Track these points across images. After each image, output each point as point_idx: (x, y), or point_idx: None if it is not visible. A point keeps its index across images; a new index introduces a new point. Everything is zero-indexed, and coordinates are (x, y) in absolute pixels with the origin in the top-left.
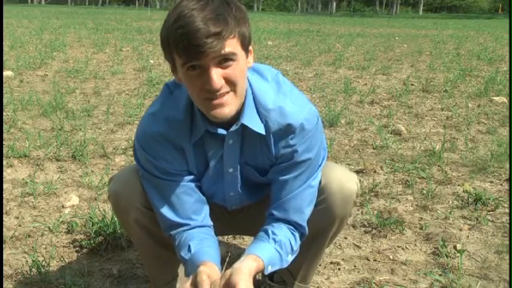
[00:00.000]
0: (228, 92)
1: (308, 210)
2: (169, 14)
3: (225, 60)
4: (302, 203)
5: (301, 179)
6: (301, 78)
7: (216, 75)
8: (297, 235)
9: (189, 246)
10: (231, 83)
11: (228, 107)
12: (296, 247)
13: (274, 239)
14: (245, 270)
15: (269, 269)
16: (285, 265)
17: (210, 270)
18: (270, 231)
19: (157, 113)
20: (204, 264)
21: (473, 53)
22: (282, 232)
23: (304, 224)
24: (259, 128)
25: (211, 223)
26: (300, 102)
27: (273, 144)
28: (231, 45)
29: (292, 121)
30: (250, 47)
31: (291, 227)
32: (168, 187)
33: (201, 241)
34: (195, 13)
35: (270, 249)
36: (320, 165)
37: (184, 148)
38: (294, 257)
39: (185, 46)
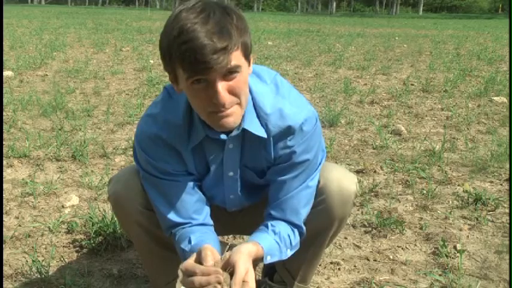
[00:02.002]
0: (233, 105)
1: (305, 211)
2: (169, 26)
3: (230, 72)
4: (299, 204)
5: (299, 179)
6: (301, 78)
7: (223, 89)
8: (296, 231)
9: (190, 238)
10: (235, 95)
11: (233, 117)
12: (295, 242)
13: (273, 231)
14: (244, 251)
15: (268, 259)
16: (284, 258)
17: (212, 248)
18: (269, 224)
19: (156, 115)
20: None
21: (473, 53)
22: (281, 226)
23: (301, 223)
24: (261, 132)
25: (212, 223)
26: (299, 103)
27: (272, 146)
28: (236, 57)
29: (291, 123)
30: (251, 55)
31: (289, 225)
32: (169, 187)
33: (202, 234)
34: (198, 27)
35: (270, 239)
36: (318, 167)
37: (182, 152)
38: (293, 252)
39: (191, 62)
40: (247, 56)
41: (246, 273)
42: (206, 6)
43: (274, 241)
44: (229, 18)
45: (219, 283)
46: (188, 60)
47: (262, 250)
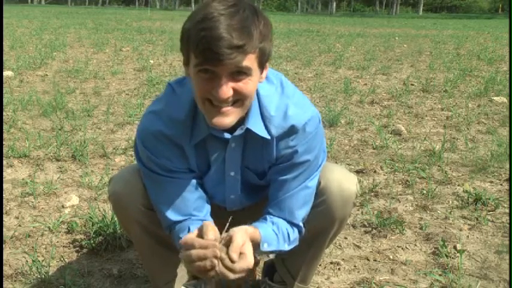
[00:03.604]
0: (233, 104)
1: (303, 211)
2: (198, 10)
3: (238, 73)
4: (298, 203)
5: (299, 180)
6: (301, 78)
7: (226, 85)
8: (295, 229)
9: (189, 228)
10: (239, 96)
11: (229, 117)
12: (293, 238)
13: (272, 221)
14: (242, 227)
15: (265, 247)
16: (282, 249)
17: (214, 225)
18: (268, 217)
19: (159, 112)
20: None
21: (473, 53)
22: (280, 221)
23: (299, 223)
24: (263, 133)
25: (211, 220)
26: (303, 104)
27: (274, 147)
28: (250, 60)
29: (294, 122)
30: (267, 63)
31: (287, 222)
32: (170, 184)
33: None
34: (222, 19)
35: (268, 228)
36: (319, 168)
37: (184, 148)
38: (291, 247)
39: (204, 50)
40: (261, 64)
41: (243, 245)
42: (239, 3)
43: (272, 231)
44: (257, 21)
45: (216, 257)
46: (202, 47)
47: (259, 234)
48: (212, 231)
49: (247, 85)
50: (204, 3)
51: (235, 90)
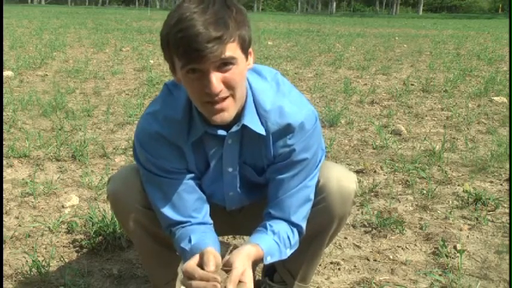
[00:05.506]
0: (227, 97)
1: (304, 210)
2: (170, 16)
3: (224, 64)
4: (298, 203)
5: (297, 178)
6: (301, 78)
7: (216, 79)
8: (295, 230)
9: (190, 237)
10: (230, 87)
11: (228, 111)
12: (294, 241)
13: (272, 231)
14: (243, 252)
15: (268, 259)
16: (284, 257)
17: (215, 252)
18: (268, 225)
19: (156, 113)
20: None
21: (473, 53)
22: (280, 226)
23: (301, 222)
24: (259, 129)
25: (211, 221)
26: (299, 102)
27: (271, 144)
28: (231, 49)
29: (291, 121)
30: (250, 49)
31: (288, 224)
32: (169, 185)
33: (202, 233)
34: (196, 16)
35: (269, 240)
36: (317, 166)
37: (182, 148)
38: (292, 251)
39: (185, 50)
40: (244, 50)
41: (243, 273)
42: None
43: (274, 241)
44: (229, 11)
45: None
46: (183, 48)
47: (262, 251)
48: (213, 260)
49: (234, 74)
50: (176, 7)
51: (224, 82)
